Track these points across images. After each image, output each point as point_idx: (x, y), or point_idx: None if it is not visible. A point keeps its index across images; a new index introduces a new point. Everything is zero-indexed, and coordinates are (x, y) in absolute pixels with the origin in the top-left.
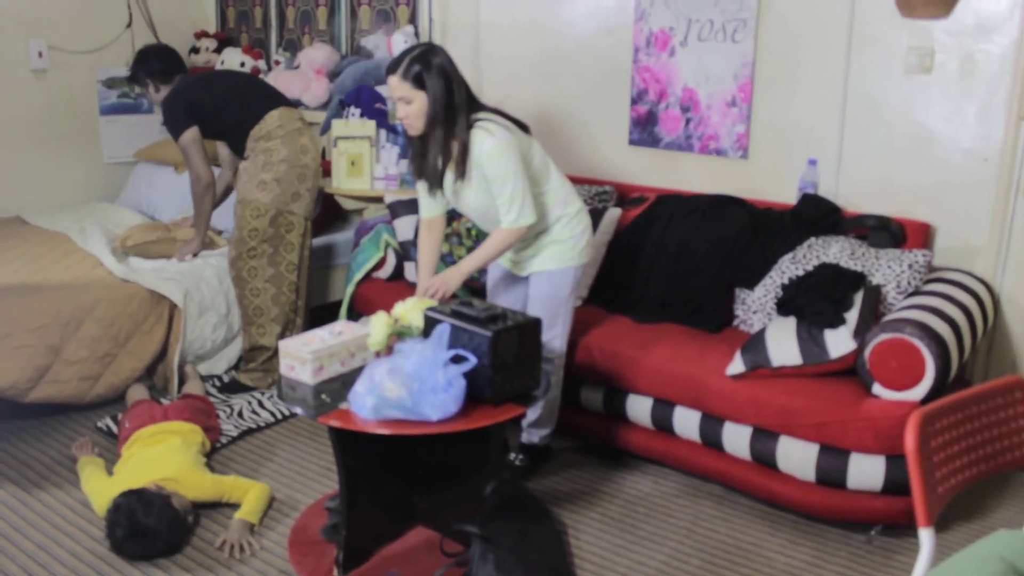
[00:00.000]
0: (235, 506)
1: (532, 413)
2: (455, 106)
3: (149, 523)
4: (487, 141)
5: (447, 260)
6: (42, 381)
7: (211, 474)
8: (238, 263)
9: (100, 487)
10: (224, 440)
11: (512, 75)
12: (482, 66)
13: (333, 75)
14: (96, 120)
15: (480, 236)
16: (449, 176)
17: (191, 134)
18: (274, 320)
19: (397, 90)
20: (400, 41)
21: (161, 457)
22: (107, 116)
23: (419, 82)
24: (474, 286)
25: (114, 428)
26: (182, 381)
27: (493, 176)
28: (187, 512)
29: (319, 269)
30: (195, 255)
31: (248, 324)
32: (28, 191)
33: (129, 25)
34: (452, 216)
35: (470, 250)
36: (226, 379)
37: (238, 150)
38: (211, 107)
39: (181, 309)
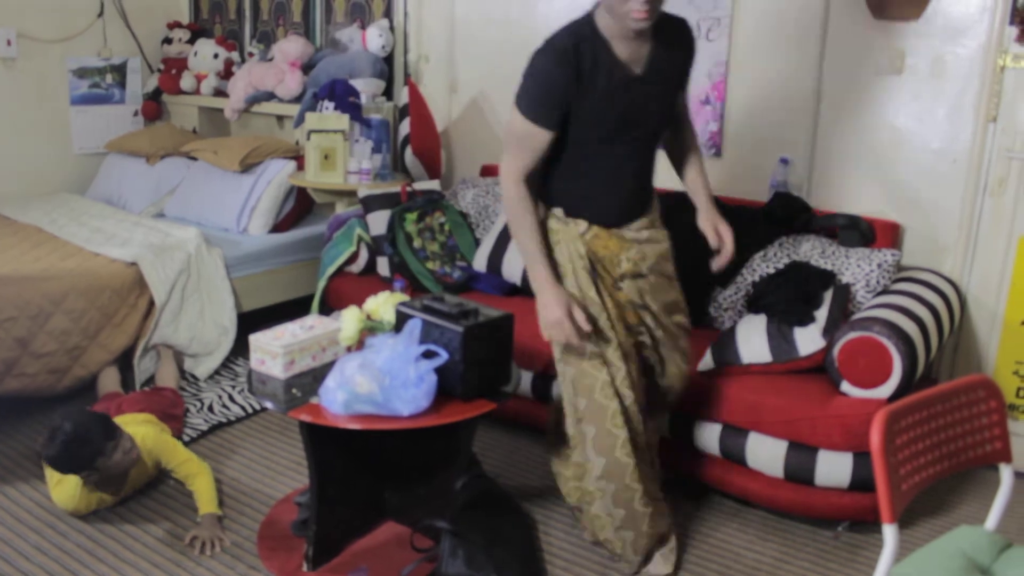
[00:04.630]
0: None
1: None
2: None
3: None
4: None
5: (419, 255)
6: (9, 375)
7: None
8: None
9: (58, 478)
10: (194, 434)
11: (487, 70)
12: (457, 61)
13: (307, 68)
14: (66, 110)
15: (453, 231)
16: None
17: None
18: None
19: None
20: (375, 34)
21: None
22: (77, 106)
23: None
24: (445, 281)
25: None
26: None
27: None
28: (129, 442)
29: (291, 263)
30: None
31: None
32: None
33: (100, 14)
34: (426, 212)
35: (443, 245)
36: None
37: None
38: None
39: (157, 305)
